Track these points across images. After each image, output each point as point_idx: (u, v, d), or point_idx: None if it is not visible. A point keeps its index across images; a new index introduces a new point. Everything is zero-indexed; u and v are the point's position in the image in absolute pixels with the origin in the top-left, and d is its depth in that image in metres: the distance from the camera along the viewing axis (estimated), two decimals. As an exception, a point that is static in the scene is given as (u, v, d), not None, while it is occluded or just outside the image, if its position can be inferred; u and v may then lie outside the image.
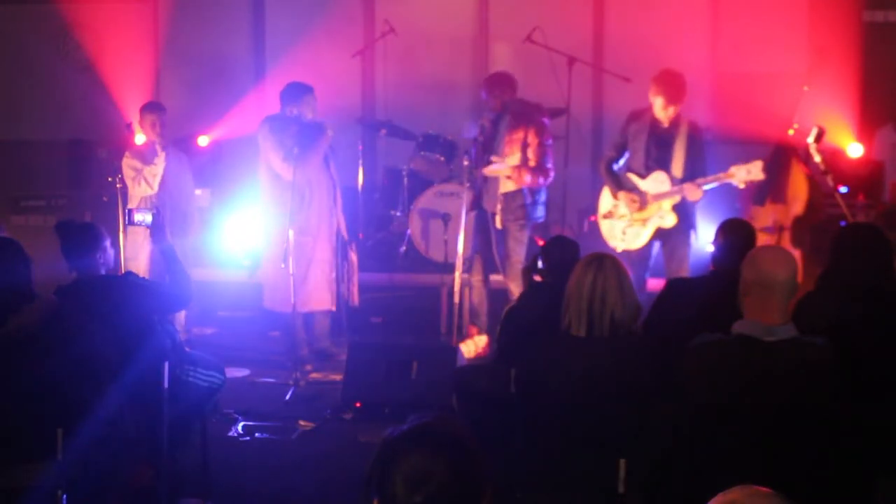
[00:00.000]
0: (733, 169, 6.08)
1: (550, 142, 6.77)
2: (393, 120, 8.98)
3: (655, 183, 6.32)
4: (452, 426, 1.97)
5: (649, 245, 6.40)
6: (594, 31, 9.27)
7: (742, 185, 6.12)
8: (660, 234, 6.37)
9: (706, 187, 6.19)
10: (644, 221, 6.37)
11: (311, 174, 6.52)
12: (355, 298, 6.90)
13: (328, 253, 6.67)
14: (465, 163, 6.69)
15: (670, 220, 6.29)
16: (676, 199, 6.25)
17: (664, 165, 6.29)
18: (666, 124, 6.31)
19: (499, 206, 6.67)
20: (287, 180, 6.37)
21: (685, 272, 6.30)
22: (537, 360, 3.64)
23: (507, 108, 6.71)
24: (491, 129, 6.74)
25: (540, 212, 6.81)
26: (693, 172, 6.23)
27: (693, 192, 6.17)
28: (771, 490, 1.87)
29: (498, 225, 6.68)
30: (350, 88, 9.41)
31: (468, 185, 6.79)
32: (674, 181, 6.25)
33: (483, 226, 6.81)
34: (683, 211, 6.30)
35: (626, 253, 6.35)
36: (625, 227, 6.44)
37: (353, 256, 6.88)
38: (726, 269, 4.31)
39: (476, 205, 6.83)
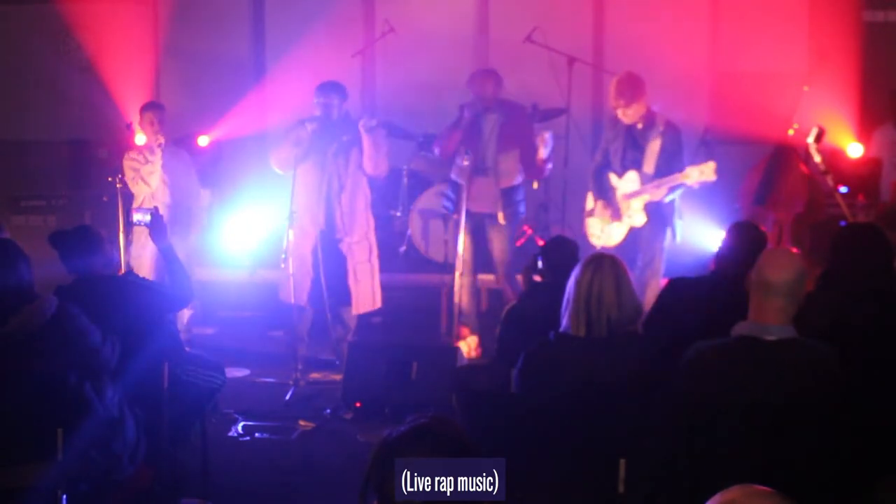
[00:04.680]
0: (688, 169, 6.12)
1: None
2: (393, 120, 8.98)
3: (628, 183, 6.41)
4: (450, 426, 1.97)
5: (626, 242, 6.41)
6: (594, 31, 9.27)
7: (696, 186, 6.11)
8: (633, 232, 6.41)
9: (666, 186, 6.22)
10: (619, 220, 6.45)
11: (308, 171, 6.45)
12: (361, 306, 6.67)
13: (306, 249, 6.49)
14: (465, 163, 6.70)
15: (639, 220, 6.35)
16: (646, 198, 6.30)
17: (637, 165, 6.36)
18: (640, 125, 6.35)
19: (500, 203, 6.70)
20: (281, 174, 6.45)
21: (655, 270, 6.34)
22: (537, 360, 3.64)
23: (495, 104, 6.72)
24: (472, 122, 6.74)
25: (523, 207, 6.95)
26: (669, 171, 6.24)
27: (655, 192, 6.26)
28: (770, 489, 1.87)
29: (501, 221, 6.69)
30: (350, 88, 9.38)
31: (465, 184, 6.79)
32: (644, 180, 6.31)
33: (473, 227, 6.79)
34: (656, 210, 6.34)
35: (608, 249, 6.36)
36: (603, 225, 6.53)
37: (363, 263, 6.67)
38: (728, 271, 4.31)
39: (457, 208, 6.80)
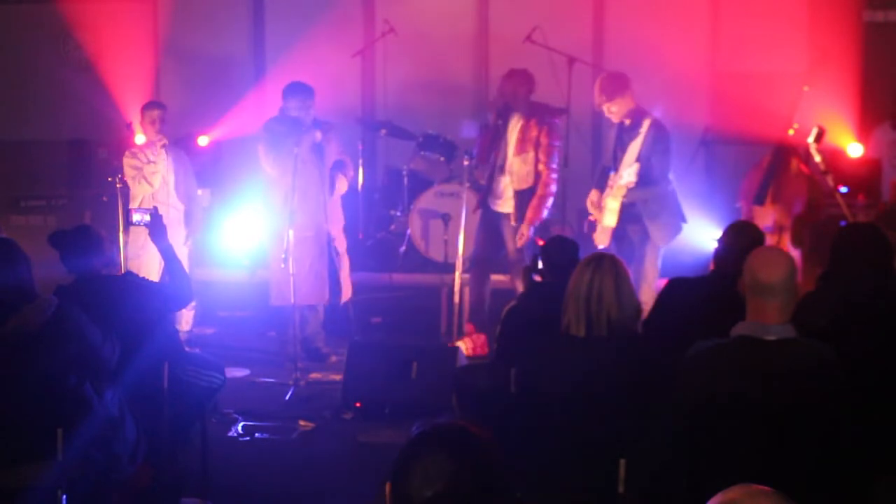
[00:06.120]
0: (622, 172, 6.21)
1: (559, 143, 6.82)
2: (393, 120, 8.98)
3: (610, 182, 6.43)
4: (481, 434, 1.96)
5: (625, 244, 6.42)
6: (594, 31, 9.27)
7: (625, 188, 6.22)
8: (614, 233, 6.39)
9: (624, 187, 6.24)
10: (600, 219, 6.49)
11: (300, 171, 6.46)
12: (346, 294, 6.88)
13: (314, 249, 6.64)
14: (466, 163, 6.70)
15: (610, 220, 6.34)
16: (614, 198, 6.29)
17: (619, 165, 6.35)
18: (627, 123, 6.34)
19: (513, 205, 6.70)
20: (270, 174, 6.53)
21: (644, 272, 6.32)
22: (537, 359, 3.64)
23: (519, 103, 6.71)
24: (496, 120, 6.75)
25: (545, 211, 6.86)
26: (649, 171, 6.23)
27: (616, 193, 6.27)
28: (770, 489, 1.87)
29: (513, 222, 6.69)
30: (350, 88, 9.40)
31: (468, 184, 6.82)
32: (616, 181, 6.32)
33: (490, 225, 6.83)
34: (628, 212, 6.30)
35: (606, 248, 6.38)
36: (596, 224, 6.56)
37: (343, 255, 6.86)
38: (727, 270, 4.31)
39: (482, 204, 6.86)
